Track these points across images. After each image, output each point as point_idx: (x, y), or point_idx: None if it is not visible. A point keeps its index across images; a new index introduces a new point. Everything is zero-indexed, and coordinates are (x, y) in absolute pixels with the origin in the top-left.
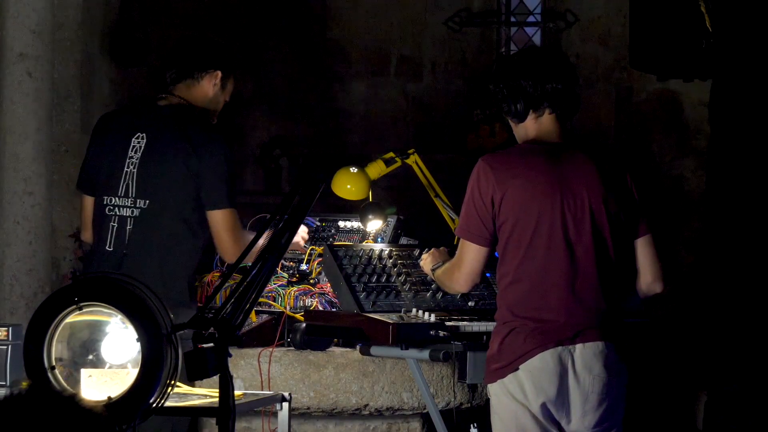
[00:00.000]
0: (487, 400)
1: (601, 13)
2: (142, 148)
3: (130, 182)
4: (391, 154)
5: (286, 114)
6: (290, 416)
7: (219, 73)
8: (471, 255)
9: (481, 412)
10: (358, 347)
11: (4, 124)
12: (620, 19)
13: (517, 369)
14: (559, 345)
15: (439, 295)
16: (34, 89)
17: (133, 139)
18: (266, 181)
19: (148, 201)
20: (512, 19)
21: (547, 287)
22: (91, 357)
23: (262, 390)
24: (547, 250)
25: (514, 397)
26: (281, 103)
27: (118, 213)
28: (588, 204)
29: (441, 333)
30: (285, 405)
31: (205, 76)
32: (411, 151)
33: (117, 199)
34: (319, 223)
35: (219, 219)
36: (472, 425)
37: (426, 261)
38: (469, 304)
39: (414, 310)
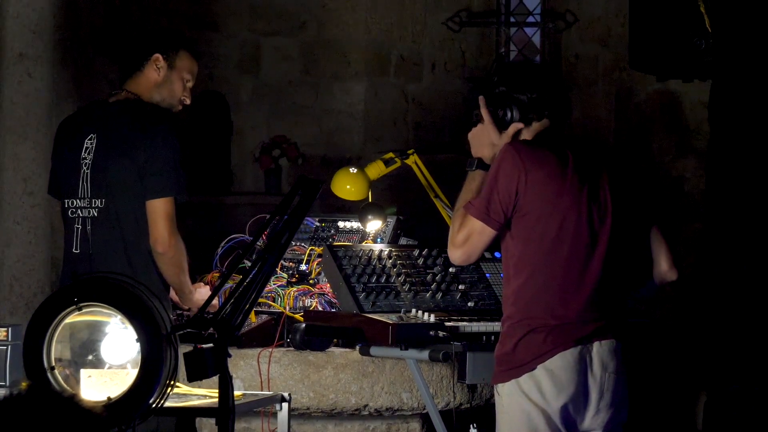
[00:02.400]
0: (487, 401)
1: (601, 13)
2: (93, 148)
3: (85, 183)
4: (391, 155)
5: (286, 114)
6: (290, 416)
7: (159, 56)
8: (482, 238)
9: (480, 412)
10: (357, 347)
11: (4, 124)
12: (620, 19)
13: (534, 369)
14: (579, 344)
15: (439, 295)
16: (34, 89)
17: (86, 140)
18: (266, 181)
19: (103, 200)
20: (512, 19)
21: (568, 284)
22: (90, 357)
23: (261, 390)
24: (572, 247)
25: (528, 397)
26: (281, 103)
27: (80, 215)
28: (609, 200)
29: (440, 333)
30: (284, 405)
31: (146, 63)
32: (411, 151)
33: (77, 200)
34: (318, 224)
35: (156, 207)
36: (471, 425)
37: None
38: (469, 304)
39: (414, 310)
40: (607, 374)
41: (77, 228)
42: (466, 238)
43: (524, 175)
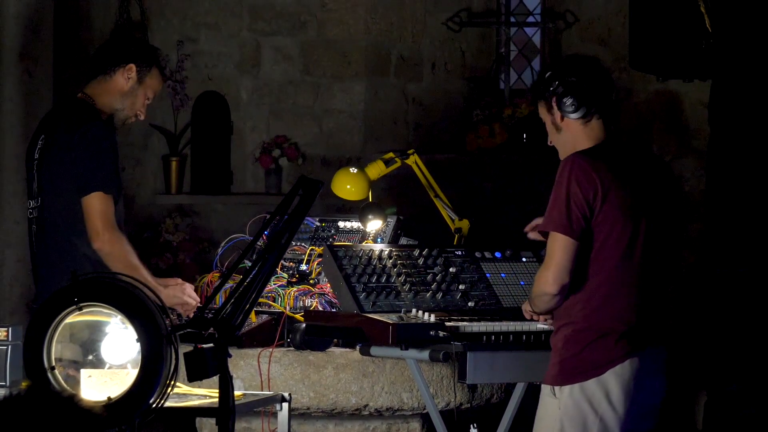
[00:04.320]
0: (487, 400)
1: (601, 13)
2: (42, 148)
3: (34, 184)
4: (391, 155)
5: (286, 114)
6: (290, 416)
7: (133, 66)
8: (568, 250)
9: (481, 412)
10: (358, 347)
11: (4, 124)
12: (620, 19)
13: (603, 374)
14: (647, 348)
15: (439, 295)
16: (34, 89)
17: (39, 141)
18: (266, 181)
19: (39, 199)
20: (512, 19)
21: (637, 291)
22: (91, 357)
23: (261, 390)
24: (642, 255)
25: (590, 402)
26: (281, 103)
27: (33, 215)
28: (665, 208)
29: (441, 333)
30: (285, 405)
31: (117, 70)
32: (411, 151)
33: (31, 201)
34: (319, 223)
35: (88, 203)
36: (471, 425)
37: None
38: (470, 304)
39: (414, 310)
40: (662, 377)
41: (33, 228)
42: (552, 256)
43: (597, 184)
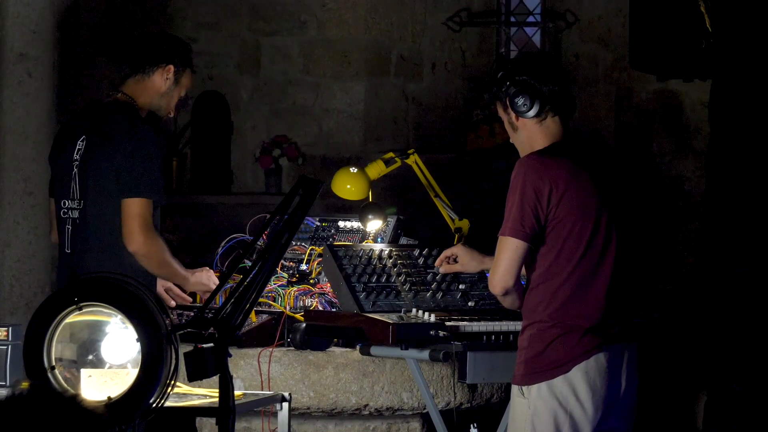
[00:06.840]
0: (487, 400)
1: (601, 13)
2: (83, 149)
3: (75, 184)
4: (391, 154)
5: (286, 114)
6: (290, 416)
7: (171, 67)
8: (515, 253)
9: (481, 412)
10: (358, 347)
11: (4, 124)
12: (620, 19)
13: (569, 371)
14: (613, 344)
15: (439, 294)
16: (34, 89)
17: (78, 142)
18: (266, 181)
19: (83, 201)
20: (512, 19)
21: (600, 287)
22: (91, 357)
23: (262, 390)
24: (602, 250)
25: (559, 399)
26: (281, 103)
27: (71, 215)
28: (623, 203)
29: (441, 333)
30: (285, 405)
31: (156, 70)
32: (411, 151)
33: (69, 201)
34: (319, 223)
35: (127, 206)
36: (471, 425)
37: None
38: (470, 304)
39: (414, 310)
40: (634, 375)
41: (68, 228)
42: (502, 258)
43: (554, 184)
